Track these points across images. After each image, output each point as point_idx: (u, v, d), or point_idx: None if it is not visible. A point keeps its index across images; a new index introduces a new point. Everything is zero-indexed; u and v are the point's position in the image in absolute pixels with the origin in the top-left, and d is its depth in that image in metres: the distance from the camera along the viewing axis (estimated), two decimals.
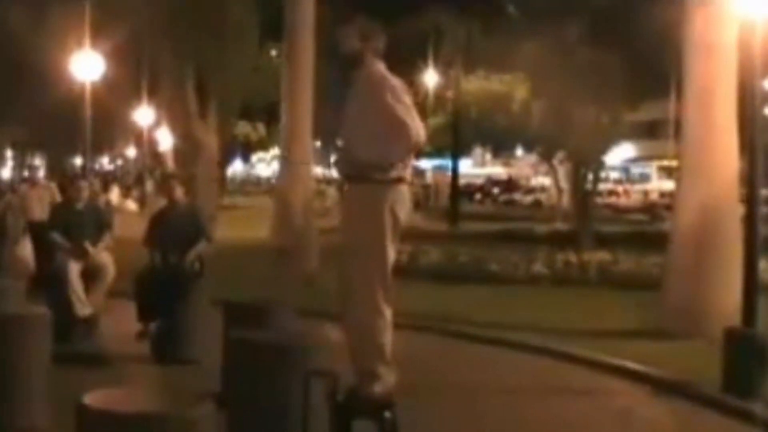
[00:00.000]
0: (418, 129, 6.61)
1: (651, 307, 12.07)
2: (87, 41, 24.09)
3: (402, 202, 6.75)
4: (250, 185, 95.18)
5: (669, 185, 40.95)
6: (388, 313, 6.71)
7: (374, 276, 6.66)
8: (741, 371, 8.42)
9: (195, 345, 9.79)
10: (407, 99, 6.75)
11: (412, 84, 36.42)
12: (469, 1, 34.22)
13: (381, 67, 6.90)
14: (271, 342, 6.41)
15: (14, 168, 62.33)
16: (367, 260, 6.67)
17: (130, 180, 59.08)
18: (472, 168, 78.62)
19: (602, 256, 17.74)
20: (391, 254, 6.75)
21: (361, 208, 6.72)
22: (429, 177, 61.11)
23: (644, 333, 11.39)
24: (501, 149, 70.92)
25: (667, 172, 54.72)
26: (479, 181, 71.43)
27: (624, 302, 13.67)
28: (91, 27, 24.05)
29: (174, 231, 10.66)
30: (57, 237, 11.17)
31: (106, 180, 54.52)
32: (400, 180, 6.74)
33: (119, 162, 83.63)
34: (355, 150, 6.80)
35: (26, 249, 14.14)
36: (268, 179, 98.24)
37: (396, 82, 6.80)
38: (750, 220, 9.03)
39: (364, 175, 6.68)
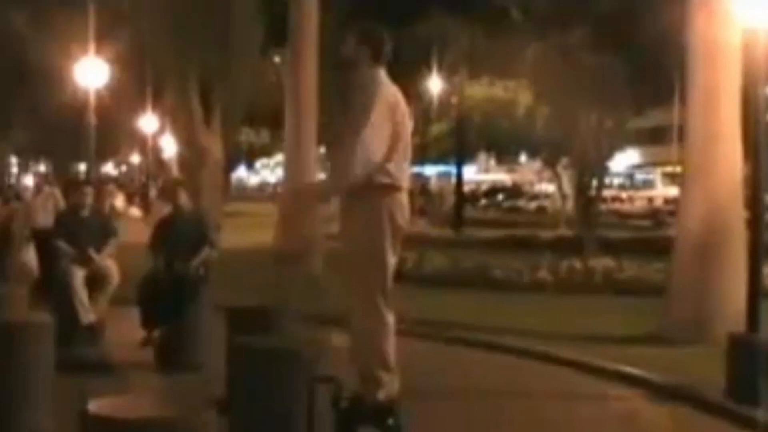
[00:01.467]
0: (377, 161, 6.55)
1: (655, 313, 12.05)
2: (91, 48, 24.16)
3: (400, 209, 6.75)
4: (250, 191, 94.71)
5: (674, 191, 40.94)
6: (389, 319, 6.71)
7: (374, 283, 6.66)
8: (745, 377, 8.40)
9: (199, 351, 9.79)
10: (394, 112, 6.69)
11: (415, 92, 36.42)
12: (473, 8, 34.22)
13: (377, 73, 6.84)
14: (275, 348, 6.41)
15: (18, 175, 62.39)
16: (366, 268, 6.67)
17: (135, 187, 59.08)
18: (476, 174, 78.62)
19: (606, 262, 17.72)
20: (391, 261, 6.75)
21: (360, 215, 6.71)
22: (433, 183, 61.13)
23: (648, 339, 11.38)
24: (505, 155, 70.88)
25: (671, 178, 54.68)
26: (484, 188, 71.50)
27: (628, 308, 13.66)
28: (95, 34, 24.12)
29: (178, 237, 10.66)
30: (61, 244, 11.16)
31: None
32: (397, 188, 6.74)
33: (124, 169, 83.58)
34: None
35: (29, 255, 14.17)
36: (261, 185, 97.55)
37: (387, 95, 6.74)
38: (754, 225, 9.03)
39: (362, 183, 6.67)
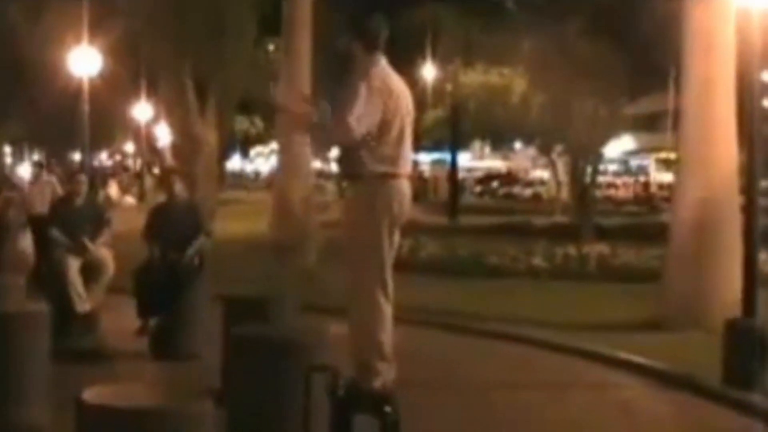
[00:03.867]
0: (355, 132, 6.51)
1: (651, 299, 12.06)
2: (85, 37, 24.10)
3: (398, 197, 6.72)
4: (244, 179, 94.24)
5: (668, 177, 40.95)
6: (387, 309, 6.70)
7: (372, 272, 6.65)
8: (741, 363, 8.42)
9: (195, 340, 9.79)
10: (388, 98, 6.66)
11: (410, 80, 36.33)
12: None
13: (372, 62, 6.76)
14: (272, 337, 6.41)
15: (12, 164, 62.27)
16: (364, 256, 6.65)
17: (130, 176, 58.94)
18: (471, 161, 78.54)
19: (601, 248, 17.73)
20: (390, 250, 6.73)
21: (358, 204, 6.70)
22: (426, 170, 61.11)
23: (644, 325, 11.39)
24: (500, 142, 70.75)
25: (665, 165, 54.70)
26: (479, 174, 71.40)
27: (624, 295, 13.67)
28: (89, 23, 24.07)
29: (173, 226, 10.64)
30: (56, 233, 11.14)
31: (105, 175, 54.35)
32: (396, 175, 6.72)
33: (121, 158, 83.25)
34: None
35: (27, 243, 14.14)
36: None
37: (380, 80, 6.70)
38: (749, 212, 9.03)
39: (358, 172, 6.66)
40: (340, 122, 6.50)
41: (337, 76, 6.93)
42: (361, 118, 6.49)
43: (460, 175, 66.31)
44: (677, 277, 11.72)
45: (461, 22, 35.86)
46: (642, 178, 59.15)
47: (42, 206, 15.05)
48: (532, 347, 10.62)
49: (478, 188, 62.11)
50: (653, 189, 50.89)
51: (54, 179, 17.70)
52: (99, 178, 37.84)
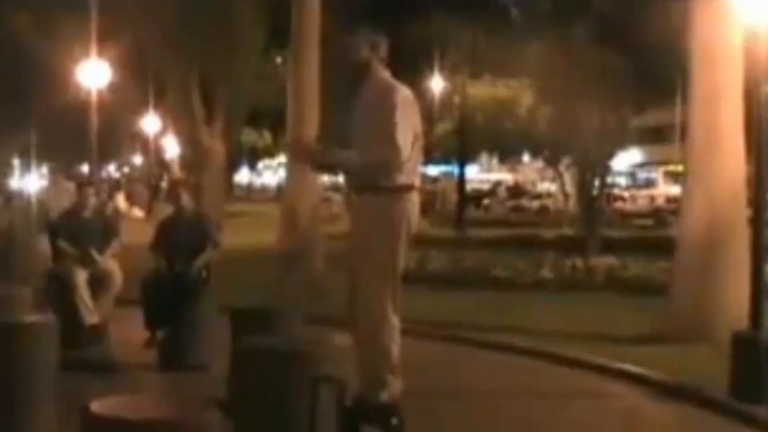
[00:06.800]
0: (404, 150, 6.62)
1: (658, 311, 12.04)
2: (94, 49, 24.19)
3: (414, 209, 6.78)
4: (253, 192, 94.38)
5: (676, 190, 40.88)
6: (395, 321, 6.73)
7: (385, 284, 6.67)
8: (748, 375, 8.40)
9: (202, 352, 9.80)
10: (412, 111, 6.76)
11: (417, 92, 36.40)
12: (474, 7, 34.20)
13: (387, 75, 6.93)
14: (279, 348, 6.41)
15: (21, 176, 62.36)
16: (379, 268, 6.67)
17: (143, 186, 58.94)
18: (479, 174, 78.59)
19: (609, 261, 17.71)
20: (402, 262, 6.79)
21: (375, 217, 6.72)
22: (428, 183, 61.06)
23: (651, 337, 11.37)
24: (507, 155, 70.83)
25: (674, 177, 54.66)
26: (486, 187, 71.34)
27: (631, 307, 13.65)
28: (97, 35, 24.15)
29: (181, 238, 10.66)
30: (63, 244, 11.18)
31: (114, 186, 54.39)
32: (411, 187, 6.77)
33: (129, 170, 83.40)
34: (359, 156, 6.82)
35: (45, 245, 14.13)
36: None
37: (405, 92, 6.81)
38: (756, 224, 9.02)
39: (375, 184, 6.69)
40: (389, 141, 6.58)
41: (345, 90, 7.00)
42: (402, 132, 6.59)
43: (491, 186, 66.35)
44: (684, 289, 11.70)
45: (467, 33, 35.91)
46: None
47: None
48: (539, 359, 10.61)
49: (486, 201, 61.87)
50: (661, 201, 50.77)
51: (72, 187, 17.74)
52: (107, 189, 37.94)
